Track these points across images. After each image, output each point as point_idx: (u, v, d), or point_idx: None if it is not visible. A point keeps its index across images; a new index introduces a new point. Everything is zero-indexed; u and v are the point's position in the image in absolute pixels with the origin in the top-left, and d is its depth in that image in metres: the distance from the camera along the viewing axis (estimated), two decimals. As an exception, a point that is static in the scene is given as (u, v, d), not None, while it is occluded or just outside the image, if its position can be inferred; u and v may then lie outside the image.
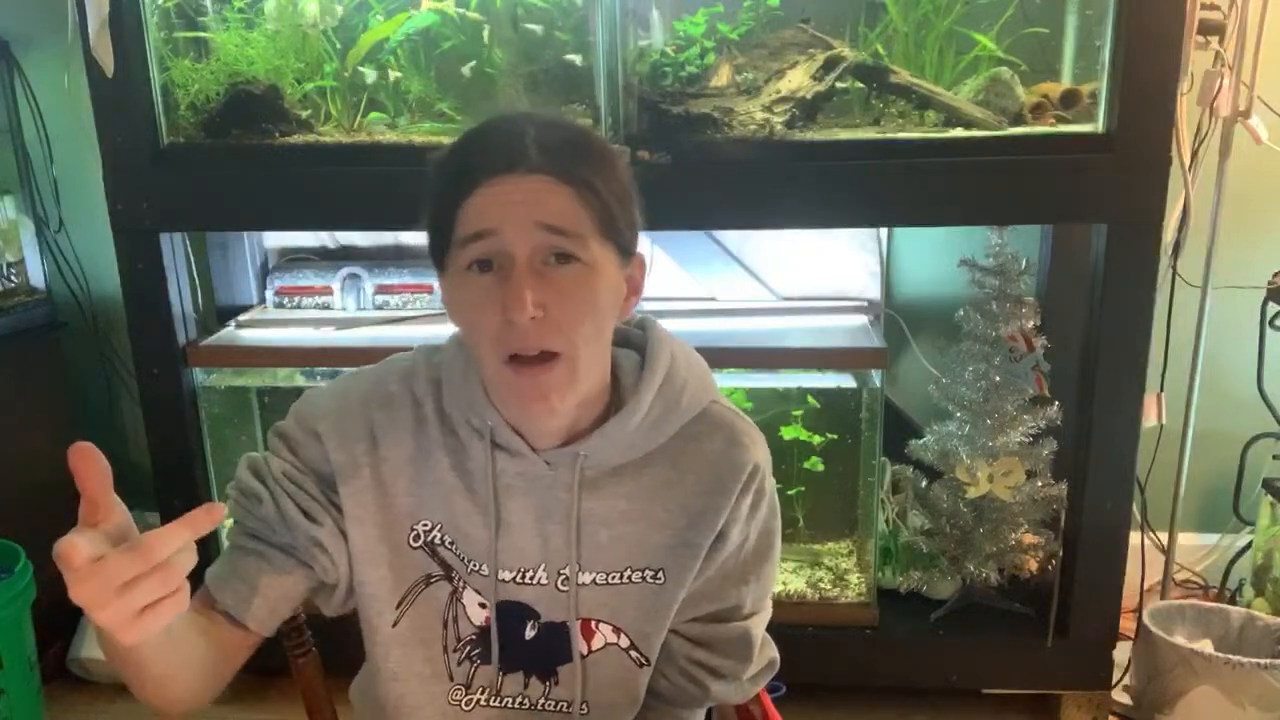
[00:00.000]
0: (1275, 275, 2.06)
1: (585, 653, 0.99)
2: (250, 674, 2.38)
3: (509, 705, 1.00)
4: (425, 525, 0.98)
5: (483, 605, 0.99)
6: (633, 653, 1.00)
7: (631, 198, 0.91)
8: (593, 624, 0.99)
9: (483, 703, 1.00)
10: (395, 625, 0.99)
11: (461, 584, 0.98)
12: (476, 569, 0.97)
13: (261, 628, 0.96)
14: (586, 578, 0.97)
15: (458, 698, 1.00)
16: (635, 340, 1.00)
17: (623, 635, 0.99)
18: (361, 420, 0.97)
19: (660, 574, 0.98)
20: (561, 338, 0.86)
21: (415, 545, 0.98)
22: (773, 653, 1.06)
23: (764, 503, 1.01)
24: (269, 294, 2.23)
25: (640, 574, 0.98)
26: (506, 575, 0.97)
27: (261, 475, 0.96)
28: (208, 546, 2.07)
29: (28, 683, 1.94)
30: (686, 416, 0.98)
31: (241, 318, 2.20)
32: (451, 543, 0.98)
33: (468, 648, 1.00)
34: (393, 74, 1.93)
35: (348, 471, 0.96)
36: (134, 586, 0.68)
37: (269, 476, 0.96)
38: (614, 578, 0.98)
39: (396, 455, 0.96)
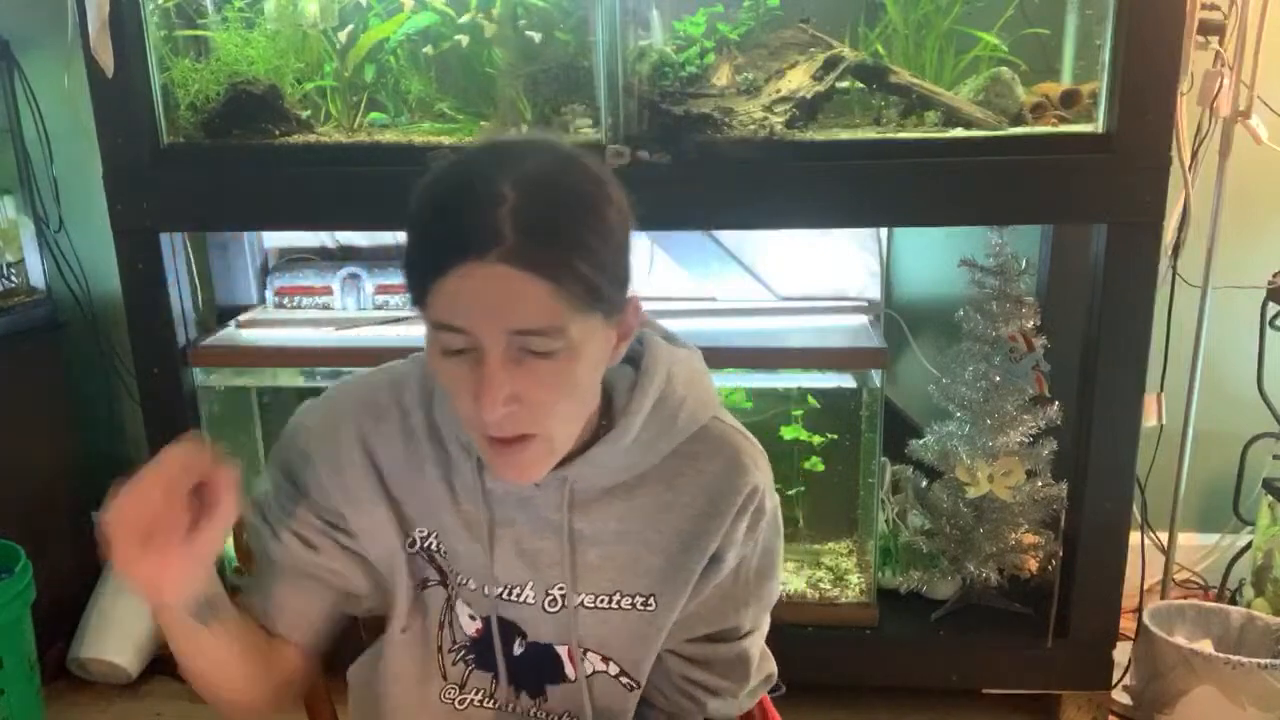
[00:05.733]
0: (1275, 275, 2.06)
1: (573, 678, 0.98)
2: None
3: (502, 709, 1.00)
4: (422, 532, 0.97)
5: (472, 618, 0.98)
6: (623, 679, 0.98)
7: (624, 248, 0.82)
8: (581, 650, 0.97)
9: (476, 703, 1.00)
10: (405, 631, 0.99)
11: (454, 593, 0.98)
12: (464, 583, 0.97)
13: (295, 635, 0.96)
14: (575, 600, 0.95)
15: (450, 696, 1.00)
16: (633, 354, 0.93)
17: (611, 664, 0.97)
18: (354, 435, 0.94)
19: (651, 600, 0.95)
20: (537, 424, 0.82)
21: (413, 550, 0.97)
22: (771, 666, 1.05)
23: (763, 521, 0.96)
24: (269, 294, 2.24)
25: (630, 600, 0.95)
26: (495, 591, 0.96)
27: (263, 511, 0.97)
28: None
29: (28, 683, 1.94)
30: (683, 435, 0.94)
31: (241, 318, 2.20)
32: (445, 552, 0.97)
33: (463, 651, 1.00)
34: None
35: (349, 492, 0.94)
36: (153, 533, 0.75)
37: (269, 510, 0.96)
38: (603, 601, 0.95)
39: (391, 465, 0.95)
